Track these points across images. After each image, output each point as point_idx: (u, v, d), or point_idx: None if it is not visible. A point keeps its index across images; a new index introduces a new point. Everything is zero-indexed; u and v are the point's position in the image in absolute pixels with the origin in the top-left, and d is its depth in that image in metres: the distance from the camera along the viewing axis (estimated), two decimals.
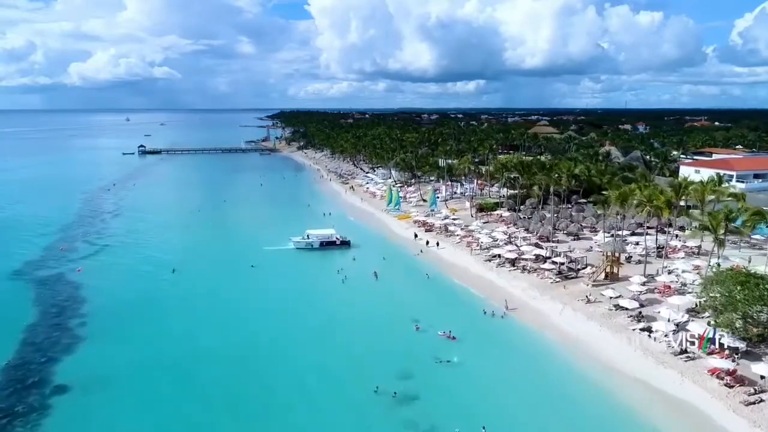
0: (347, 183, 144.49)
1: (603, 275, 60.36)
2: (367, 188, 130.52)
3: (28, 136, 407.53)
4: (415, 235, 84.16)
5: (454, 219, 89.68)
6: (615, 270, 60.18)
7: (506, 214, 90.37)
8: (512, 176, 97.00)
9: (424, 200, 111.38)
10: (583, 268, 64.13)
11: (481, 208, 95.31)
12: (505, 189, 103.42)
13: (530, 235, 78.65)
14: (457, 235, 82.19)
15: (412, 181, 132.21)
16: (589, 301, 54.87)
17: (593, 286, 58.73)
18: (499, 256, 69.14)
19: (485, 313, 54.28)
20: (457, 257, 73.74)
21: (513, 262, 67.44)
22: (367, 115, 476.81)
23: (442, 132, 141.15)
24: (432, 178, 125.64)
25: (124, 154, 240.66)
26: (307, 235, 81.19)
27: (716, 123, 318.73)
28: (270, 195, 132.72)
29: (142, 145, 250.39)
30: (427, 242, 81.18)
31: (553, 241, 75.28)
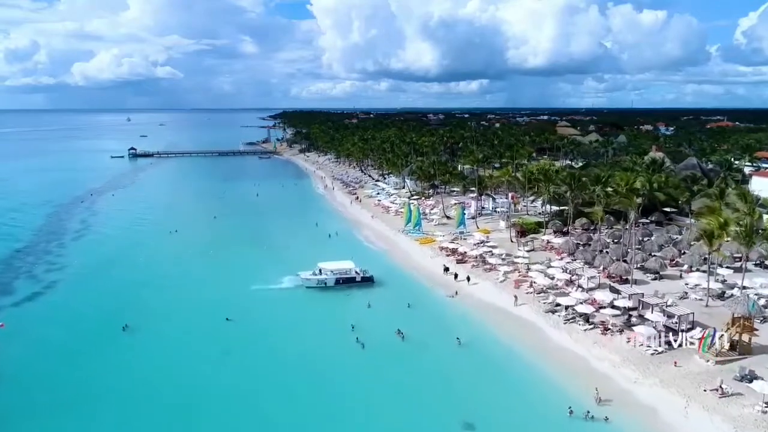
0: (354, 193, 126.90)
1: (728, 344, 42.49)
2: (379, 201, 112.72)
3: (17, 137, 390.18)
4: (446, 269, 66.44)
5: (492, 247, 71.91)
6: (747, 339, 42.35)
7: (557, 240, 72.41)
8: (560, 191, 79.09)
9: (448, 217, 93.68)
10: (690, 329, 46.35)
11: (523, 231, 77.42)
12: (548, 205, 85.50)
13: (596, 271, 60.83)
14: (500, 269, 64.27)
15: (430, 192, 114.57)
16: (723, 394, 37.04)
17: (717, 362, 40.96)
18: (567, 307, 51.29)
19: (572, 412, 36.37)
20: (505, 303, 55.97)
21: (587, 318, 49.65)
22: (371, 115, 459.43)
23: (463, 135, 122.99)
24: (455, 188, 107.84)
25: (112, 157, 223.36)
26: (320, 270, 63.63)
27: (736, 123, 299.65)
28: (267, 209, 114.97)
29: (132, 148, 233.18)
30: (455, 276, 63.89)
31: (625, 280, 57.54)
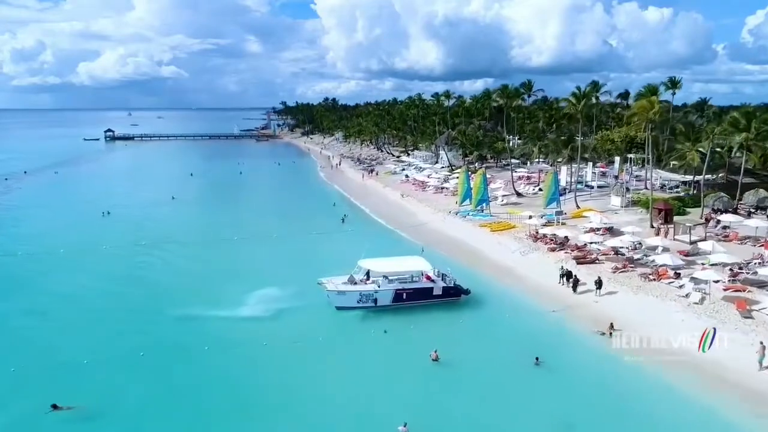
0: (371, 168, 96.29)
1: None
2: (407, 177, 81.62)
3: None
4: (567, 275, 34.96)
5: (634, 234, 40.63)
6: None
7: (754, 223, 41.04)
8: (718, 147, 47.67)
9: (519, 194, 62.58)
10: None
11: (667, 212, 45.80)
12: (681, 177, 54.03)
13: None
14: (675, 276, 33.08)
15: (475, 165, 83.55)
16: None
17: None
18: None
19: None
20: (740, 364, 24.62)
21: None
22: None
23: (518, 91, 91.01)
24: (512, 160, 76.10)
25: (85, 139, 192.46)
26: (366, 274, 32.57)
27: None
28: (251, 189, 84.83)
29: (109, 130, 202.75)
30: (575, 283, 33.37)
31: None
